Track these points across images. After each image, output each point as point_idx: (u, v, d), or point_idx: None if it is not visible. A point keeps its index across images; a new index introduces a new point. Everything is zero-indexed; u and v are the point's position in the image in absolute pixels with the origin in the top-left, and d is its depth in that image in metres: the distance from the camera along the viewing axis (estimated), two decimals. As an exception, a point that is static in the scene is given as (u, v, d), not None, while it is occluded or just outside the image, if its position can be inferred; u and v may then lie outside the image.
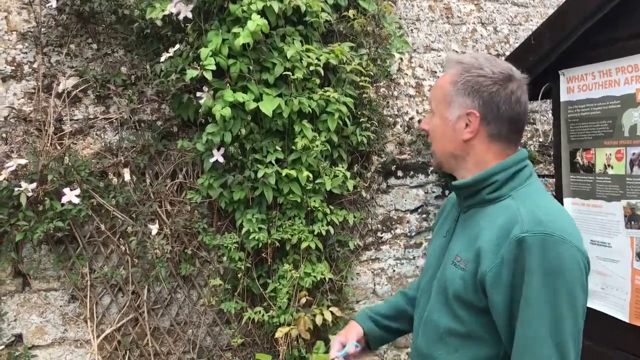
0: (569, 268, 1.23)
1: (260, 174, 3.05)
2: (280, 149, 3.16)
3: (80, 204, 2.91)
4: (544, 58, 2.80)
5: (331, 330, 3.36)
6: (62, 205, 2.88)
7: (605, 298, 2.54)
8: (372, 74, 3.45)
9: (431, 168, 3.85)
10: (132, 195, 3.07)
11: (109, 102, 3.14)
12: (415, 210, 3.84)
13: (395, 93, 3.84)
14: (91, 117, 3.12)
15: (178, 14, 2.97)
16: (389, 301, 1.91)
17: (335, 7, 3.39)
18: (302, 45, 3.14)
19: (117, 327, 3.14)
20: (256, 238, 3.10)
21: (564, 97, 2.78)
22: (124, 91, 3.13)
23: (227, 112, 2.89)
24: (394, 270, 3.78)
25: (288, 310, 3.20)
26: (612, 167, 2.51)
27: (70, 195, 2.86)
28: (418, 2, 3.96)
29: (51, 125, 2.99)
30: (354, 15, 3.33)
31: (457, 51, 4.06)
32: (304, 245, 3.19)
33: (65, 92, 3.05)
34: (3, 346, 2.97)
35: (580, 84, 2.69)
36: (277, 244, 3.20)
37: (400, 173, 3.78)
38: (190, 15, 2.97)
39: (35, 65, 3.04)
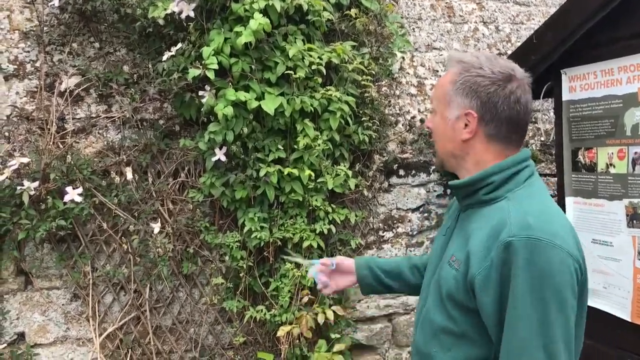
0: (557, 272, 1.22)
1: (262, 173, 3.06)
2: (282, 148, 3.16)
3: (83, 203, 2.91)
4: (545, 57, 2.81)
5: (333, 329, 3.36)
6: (65, 203, 2.89)
7: (607, 297, 2.54)
8: (373, 73, 3.45)
9: (433, 167, 3.85)
10: (134, 193, 3.07)
11: (111, 100, 3.15)
12: (417, 209, 3.85)
13: (397, 92, 3.84)
14: (93, 115, 3.12)
15: (180, 12, 2.97)
16: (392, 260, 1.98)
17: (337, 6, 3.39)
18: (304, 44, 3.15)
19: (119, 326, 3.14)
20: (258, 237, 3.11)
21: (565, 96, 2.78)
22: (126, 90, 3.13)
23: (229, 111, 2.90)
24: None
25: (290, 309, 3.21)
26: (614, 166, 2.51)
27: (73, 194, 2.86)
28: (420, 1, 3.96)
29: (53, 124, 3.00)
30: (356, 14, 3.33)
31: (458, 50, 4.06)
32: (305, 244, 3.19)
33: (68, 90, 3.06)
34: (5, 345, 2.97)
35: (582, 83, 2.69)
36: (279, 242, 3.20)
37: (402, 172, 3.78)
38: (192, 14, 2.97)
39: (37, 64, 3.04)
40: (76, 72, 3.08)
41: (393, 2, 3.78)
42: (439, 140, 1.52)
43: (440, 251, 1.53)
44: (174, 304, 3.27)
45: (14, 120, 2.99)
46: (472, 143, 1.43)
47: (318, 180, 3.21)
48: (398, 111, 3.83)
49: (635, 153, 2.40)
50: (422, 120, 3.86)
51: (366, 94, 3.39)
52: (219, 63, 2.92)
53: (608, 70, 2.54)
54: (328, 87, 3.20)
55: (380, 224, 3.73)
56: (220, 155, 3.05)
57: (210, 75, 2.87)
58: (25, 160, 2.86)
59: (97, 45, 3.14)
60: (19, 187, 2.80)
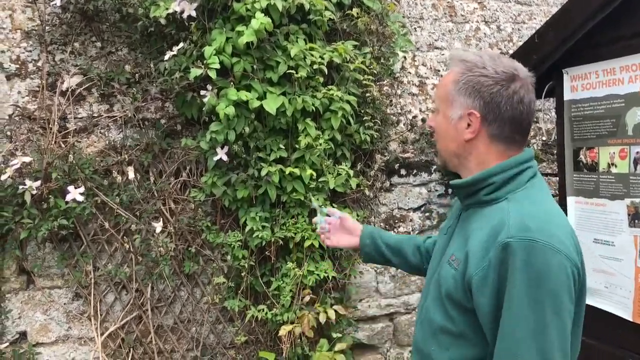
0: (554, 274, 1.22)
1: (263, 172, 3.06)
2: (283, 148, 3.16)
3: (84, 202, 2.92)
4: (547, 57, 2.80)
5: (334, 328, 3.36)
6: (66, 203, 2.89)
7: (608, 297, 2.54)
8: (375, 72, 3.45)
9: (434, 166, 3.85)
10: (136, 193, 3.07)
11: (113, 100, 3.15)
12: (418, 208, 3.85)
13: (399, 91, 3.84)
14: (95, 115, 3.12)
15: (182, 12, 2.97)
16: (398, 236, 2.01)
17: (339, 6, 3.39)
18: (306, 43, 3.15)
19: (121, 325, 3.15)
20: (260, 236, 3.11)
21: (567, 95, 2.78)
22: (128, 89, 3.14)
23: (231, 110, 2.90)
24: (397, 269, 3.78)
25: (291, 308, 3.21)
26: (615, 166, 2.51)
27: (75, 193, 2.87)
28: (421, 1, 3.96)
29: (55, 123, 3.00)
30: (357, 13, 3.33)
31: (460, 49, 4.05)
32: (307, 243, 3.19)
33: (70, 90, 3.06)
34: (7, 343, 2.98)
35: (584, 83, 2.69)
36: (281, 242, 3.20)
37: (403, 171, 3.78)
38: (194, 14, 2.98)
39: (39, 64, 3.04)
40: (78, 71, 3.08)
41: (395, 1, 3.78)
42: (442, 139, 1.51)
43: (442, 250, 1.53)
44: (176, 303, 3.28)
45: (16, 120, 2.99)
46: (475, 143, 1.43)
47: (319, 180, 3.21)
48: (399, 111, 3.83)
49: (637, 152, 2.40)
50: (423, 120, 3.86)
51: (368, 94, 3.39)
52: (221, 62, 2.92)
53: (610, 70, 2.54)
54: (330, 87, 3.20)
55: (382, 224, 3.73)
56: (222, 154, 3.05)
57: (212, 74, 2.87)
58: (27, 159, 2.87)
59: (98, 44, 3.14)
60: (21, 187, 2.81)
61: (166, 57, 2.99)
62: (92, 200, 2.98)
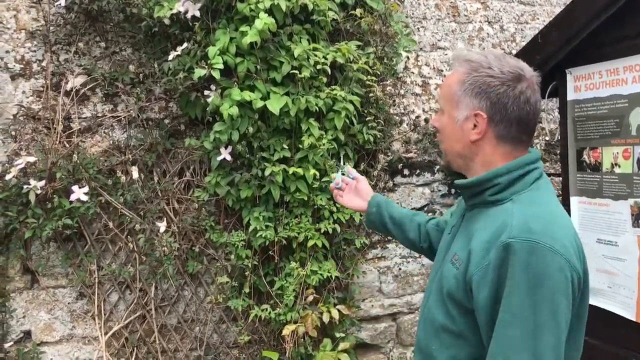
0: (553, 277, 1.21)
1: (267, 172, 3.06)
2: (287, 147, 3.17)
3: (89, 202, 2.93)
4: (550, 57, 2.80)
5: (337, 328, 3.37)
6: (71, 202, 2.90)
7: (612, 297, 2.54)
8: (378, 72, 3.45)
9: (437, 167, 3.85)
10: (140, 193, 3.08)
11: (117, 100, 3.16)
12: (422, 208, 3.85)
13: (402, 91, 3.84)
14: (99, 115, 3.13)
15: (186, 12, 2.98)
16: (404, 211, 2.03)
17: (342, 6, 3.40)
18: (309, 43, 3.15)
19: (125, 324, 3.16)
20: (263, 236, 3.12)
21: (570, 95, 2.78)
22: (132, 89, 3.15)
23: (235, 110, 2.91)
24: (400, 269, 3.79)
25: (295, 308, 3.22)
26: (619, 166, 2.51)
27: (79, 193, 2.88)
28: (424, 1, 3.96)
29: (60, 123, 3.01)
30: (361, 13, 3.34)
31: (463, 49, 4.06)
32: (310, 243, 3.20)
33: (74, 90, 3.07)
34: (12, 342, 2.99)
35: (587, 83, 2.69)
36: (284, 242, 3.21)
37: (406, 171, 3.79)
38: (198, 14, 2.98)
39: (43, 64, 3.06)
40: (82, 71, 3.09)
41: (398, 1, 3.78)
42: (447, 140, 1.50)
43: (445, 249, 1.53)
44: (179, 303, 3.28)
45: (20, 120, 3.00)
46: (481, 144, 1.42)
47: (323, 180, 3.21)
48: (403, 111, 3.83)
49: (641, 153, 2.40)
50: (426, 120, 3.86)
51: (371, 94, 3.40)
52: (225, 63, 2.93)
53: (613, 70, 2.54)
54: (333, 87, 3.20)
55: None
56: (225, 154, 3.06)
57: (216, 75, 2.88)
58: (31, 159, 2.88)
59: (103, 44, 3.15)
60: (25, 186, 2.82)
61: (170, 57, 3.00)
62: (96, 199, 2.99)
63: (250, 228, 3.14)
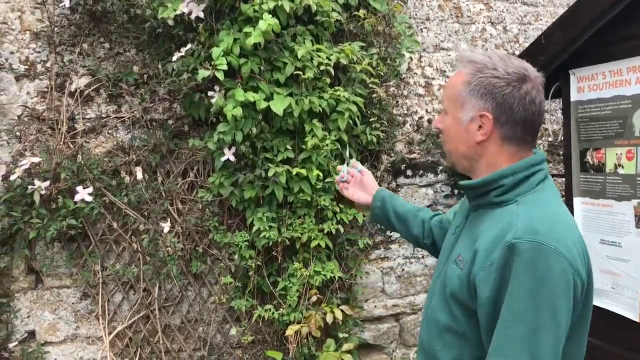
0: (556, 279, 1.22)
1: (270, 173, 3.07)
2: (290, 148, 3.18)
3: (93, 202, 2.94)
4: (554, 57, 2.80)
5: (341, 328, 3.37)
6: (75, 203, 2.91)
7: (615, 298, 2.54)
8: (382, 73, 3.46)
9: (440, 167, 3.85)
10: (143, 193, 3.09)
11: (121, 101, 3.17)
12: (425, 209, 3.85)
13: (405, 92, 3.85)
14: (103, 115, 3.15)
15: (190, 13, 2.99)
16: (409, 206, 2.03)
17: (346, 7, 3.40)
18: (313, 44, 3.16)
19: (129, 325, 3.16)
20: (266, 236, 3.12)
21: (574, 96, 2.78)
22: (136, 90, 3.16)
23: (239, 111, 2.91)
24: (403, 269, 3.80)
25: (298, 308, 3.22)
26: (622, 167, 2.51)
27: (83, 194, 2.89)
28: (428, 2, 3.97)
29: (64, 123, 3.02)
30: (364, 14, 3.34)
31: (466, 50, 4.06)
32: (313, 243, 3.21)
33: (78, 91, 3.08)
34: (16, 342, 3.00)
35: (591, 84, 2.69)
36: (287, 242, 3.22)
37: (409, 172, 3.79)
38: (201, 15, 2.99)
39: (48, 65, 3.06)
40: (86, 72, 3.10)
41: (401, 2, 3.78)
42: (451, 141, 1.50)
43: (449, 250, 1.53)
44: (183, 303, 3.29)
45: (25, 120, 3.01)
46: (486, 145, 1.42)
47: (326, 180, 3.22)
48: (406, 111, 3.84)
49: (644, 154, 2.40)
50: (429, 121, 3.86)
51: (374, 95, 3.40)
52: (228, 64, 2.93)
53: (617, 71, 2.54)
54: (336, 88, 3.21)
55: (388, 224, 3.74)
56: (229, 155, 3.06)
57: (220, 76, 2.88)
58: (36, 159, 2.89)
59: (107, 45, 3.16)
60: (30, 187, 2.83)
61: (174, 58, 3.01)
62: (101, 200, 3.00)
63: (254, 228, 3.15)
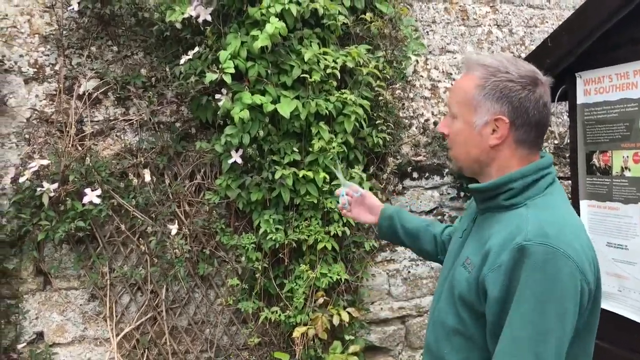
0: (565, 282, 1.22)
1: (277, 175, 3.08)
2: (297, 151, 3.19)
3: (101, 204, 2.96)
4: (560, 60, 2.80)
5: (347, 330, 3.38)
6: (83, 205, 2.93)
7: (622, 300, 2.54)
8: (388, 76, 3.46)
9: (446, 170, 3.86)
10: (151, 195, 3.11)
11: (128, 103, 3.19)
12: (431, 211, 3.86)
13: (411, 95, 3.86)
14: (111, 118, 3.17)
15: (197, 17, 3.00)
16: (417, 220, 2.01)
17: (352, 10, 3.41)
18: (320, 47, 3.17)
19: (136, 326, 3.18)
20: (273, 238, 3.13)
21: (580, 99, 2.78)
22: (143, 93, 3.17)
23: (246, 114, 2.93)
24: (409, 272, 3.80)
25: (304, 311, 3.23)
26: (629, 170, 2.51)
27: (92, 196, 2.91)
28: (434, 5, 3.98)
29: (72, 126, 3.04)
30: (370, 18, 3.35)
31: (472, 53, 4.07)
32: (320, 246, 3.21)
33: (86, 93, 3.10)
34: (25, 344, 3.02)
35: (597, 87, 2.69)
36: (294, 244, 3.23)
37: (415, 174, 3.80)
38: (209, 18, 3.01)
39: (56, 68, 3.09)
40: (94, 75, 3.13)
41: (407, 5, 3.80)
42: (461, 146, 1.48)
43: (455, 253, 1.53)
44: (190, 305, 3.31)
45: (33, 123, 3.04)
46: (500, 148, 1.41)
47: (333, 183, 3.23)
48: (412, 114, 3.85)
49: (651, 156, 2.40)
50: (435, 123, 3.87)
51: (380, 97, 3.41)
52: (236, 67, 2.95)
53: (623, 74, 2.54)
54: (343, 91, 3.22)
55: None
56: (236, 157, 3.08)
57: (227, 79, 2.90)
58: (44, 162, 2.91)
59: (115, 48, 3.18)
60: (38, 189, 2.86)
61: (182, 61, 3.03)
62: (109, 202, 3.02)
63: (261, 231, 3.16)
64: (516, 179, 1.38)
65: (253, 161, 3.13)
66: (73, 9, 2.99)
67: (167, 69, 3.14)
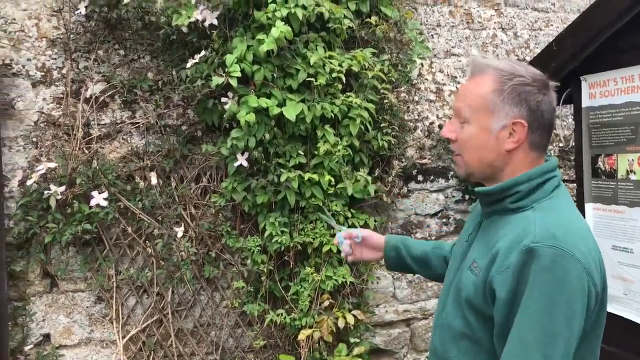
0: (573, 284, 1.22)
1: (283, 178, 3.10)
2: (302, 154, 3.20)
3: (108, 207, 2.97)
4: (565, 64, 2.81)
5: (352, 333, 3.39)
6: (90, 208, 2.95)
7: (628, 304, 2.54)
8: (393, 79, 3.47)
9: (451, 172, 3.86)
10: (157, 198, 3.12)
11: (135, 107, 3.21)
12: (435, 214, 3.87)
13: (416, 98, 3.87)
14: (118, 121, 3.18)
15: (204, 21, 3.02)
16: (423, 245, 1.97)
17: (358, 14, 3.42)
18: (325, 51, 3.18)
19: (142, 328, 3.19)
20: (279, 241, 3.14)
21: (585, 102, 2.79)
22: (150, 96, 3.19)
23: (252, 117, 2.94)
24: (414, 274, 3.80)
25: (310, 313, 3.24)
26: (634, 173, 2.51)
27: (98, 199, 2.92)
28: (439, 8, 3.99)
29: (79, 129, 3.06)
30: (375, 21, 3.36)
31: (476, 55, 4.08)
32: (325, 248, 3.22)
33: (93, 97, 3.12)
34: (32, 345, 3.03)
35: (602, 90, 2.70)
36: (299, 247, 3.24)
37: (420, 177, 3.81)
38: (215, 22, 3.02)
39: (64, 71, 3.11)
40: (101, 78, 3.15)
41: (412, 9, 3.81)
42: (475, 151, 1.45)
43: (461, 256, 1.53)
44: (196, 307, 3.32)
45: (41, 126, 3.06)
46: (515, 152, 1.41)
47: (338, 186, 3.24)
48: (417, 117, 3.86)
49: (656, 160, 2.40)
50: (440, 126, 3.88)
51: (385, 100, 3.42)
52: (242, 70, 2.96)
53: (629, 77, 2.55)
54: (348, 94, 3.23)
55: (399, 229, 3.75)
56: (242, 160, 3.09)
57: (233, 82, 2.91)
58: (52, 165, 2.93)
59: (121, 52, 3.20)
60: (46, 192, 2.87)
61: (188, 65, 3.04)
62: (115, 205, 3.04)
63: (266, 233, 3.17)
64: (522, 182, 1.38)
65: (259, 164, 3.14)
66: (80, 13, 3.02)
67: (174, 73, 3.16)
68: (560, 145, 4.29)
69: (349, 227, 2.17)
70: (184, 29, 3.07)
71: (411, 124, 3.81)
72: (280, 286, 3.31)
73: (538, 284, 1.22)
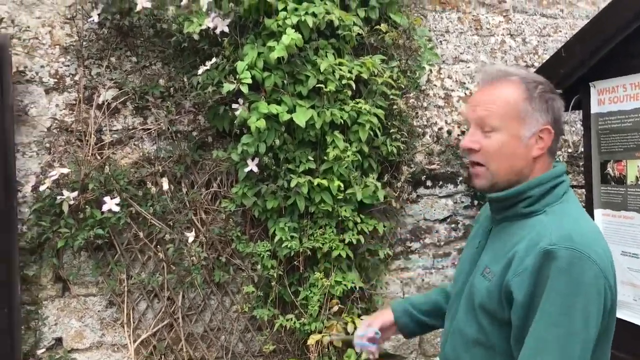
0: (590, 286, 1.23)
1: (293, 184, 3.12)
2: (312, 159, 3.22)
3: (120, 212, 3.00)
4: (574, 70, 2.82)
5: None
6: (102, 213, 2.98)
7: (638, 310, 2.54)
8: (402, 85, 3.49)
9: (460, 178, 3.87)
10: (168, 203, 3.15)
11: (147, 113, 3.24)
12: (444, 220, 3.87)
13: (425, 104, 3.88)
14: (130, 127, 3.22)
15: (215, 28, 3.05)
16: (429, 296, 1.91)
17: (367, 21, 3.44)
18: (335, 58, 3.21)
19: (153, 332, 3.22)
20: (288, 246, 3.16)
21: (594, 108, 2.79)
22: (161, 103, 3.22)
23: (262, 123, 2.96)
24: (422, 280, 3.82)
25: (319, 318, 3.25)
26: (644, 179, 2.52)
27: (110, 204, 2.95)
28: (447, 14, 4.01)
29: (92, 135, 3.09)
30: (385, 28, 3.38)
31: (486, 62, 4.09)
32: (334, 253, 3.23)
33: (105, 103, 3.16)
34: (44, 349, 3.06)
35: (611, 96, 2.70)
36: (309, 252, 3.25)
37: (429, 183, 3.82)
38: (226, 30, 3.05)
39: (76, 78, 3.15)
40: (113, 85, 3.18)
41: (421, 16, 3.83)
42: (506, 159, 1.42)
43: (471, 262, 1.53)
44: (206, 312, 3.34)
45: (54, 132, 3.10)
46: (540, 159, 1.43)
47: (347, 191, 3.25)
48: (425, 123, 3.87)
49: (666, 166, 2.41)
50: (449, 132, 3.89)
51: (394, 106, 3.43)
52: (253, 77, 2.98)
53: (638, 84, 2.55)
54: (357, 100, 3.25)
55: (408, 235, 3.77)
56: (252, 166, 3.11)
57: (244, 89, 2.94)
58: (64, 170, 2.97)
59: (133, 59, 3.24)
60: (58, 197, 2.91)
61: (199, 72, 3.07)
62: (127, 210, 3.07)
63: (276, 238, 3.19)
64: (535, 186, 1.40)
65: (269, 170, 3.16)
66: (93, 20, 3.06)
67: (185, 79, 3.19)
68: (569, 150, 4.30)
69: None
70: (196, 36, 3.10)
71: (420, 129, 3.83)
72: (290, 291, 3.33)
73: (555, 286, 1.23)
